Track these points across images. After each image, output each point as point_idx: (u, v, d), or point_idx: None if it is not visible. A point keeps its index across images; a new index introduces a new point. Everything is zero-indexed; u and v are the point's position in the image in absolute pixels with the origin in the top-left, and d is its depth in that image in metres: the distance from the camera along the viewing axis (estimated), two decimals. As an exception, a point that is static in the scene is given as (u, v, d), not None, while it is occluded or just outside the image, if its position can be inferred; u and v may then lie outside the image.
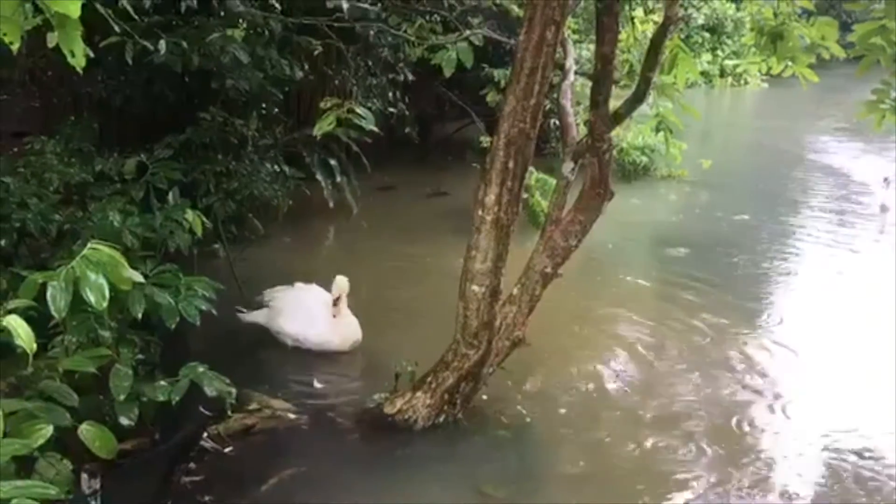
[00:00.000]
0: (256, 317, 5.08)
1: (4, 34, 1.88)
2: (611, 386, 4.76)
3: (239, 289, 5.32)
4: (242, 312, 5.12)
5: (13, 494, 1.99)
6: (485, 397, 4.32)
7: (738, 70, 19.99)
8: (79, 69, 1.95)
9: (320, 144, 6.92)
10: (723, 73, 20.71)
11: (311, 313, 4.98)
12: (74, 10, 1.77)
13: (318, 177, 7.19)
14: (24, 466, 2.32)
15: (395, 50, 7.76)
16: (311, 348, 4.98)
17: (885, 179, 8.74)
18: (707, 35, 21.00)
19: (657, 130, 5.03)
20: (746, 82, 20.33)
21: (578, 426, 4.32)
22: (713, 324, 5.65)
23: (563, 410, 4.46)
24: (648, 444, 4.15)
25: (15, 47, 1.91)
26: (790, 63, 4.42)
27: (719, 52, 21.08)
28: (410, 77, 8.39)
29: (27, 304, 2.66)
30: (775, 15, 4.38)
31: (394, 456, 3.94)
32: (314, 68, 7.36)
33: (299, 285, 5.19)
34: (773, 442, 4.21)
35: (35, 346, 2.36)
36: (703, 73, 19.22)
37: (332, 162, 7.35)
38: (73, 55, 1.92)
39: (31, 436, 2.31)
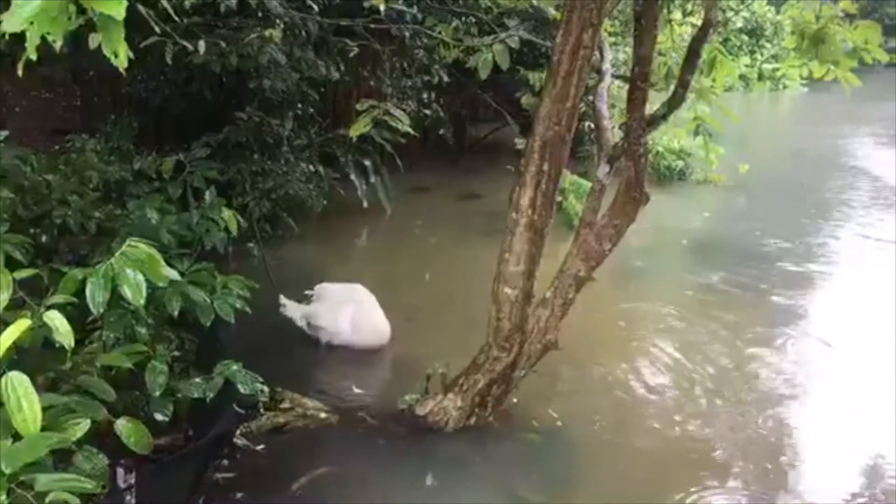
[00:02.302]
0: (292, 311, 5.12)
1: (48, 33, 1.90)
2: (644, 390, 4.71)
3: (273, 287, 5.35)
4: (283, 305, 5.16)
5: (51, 487, 2.02)
6: (516, 400, 4.30)
7: (778, 74, 19.75)
8: (122, 70, 1.97)
9: (355, 145, 6.97)
10: (761, 77, 20.45)
11: (343, 310, 5.01)
12: (119, 13, 1.79)
13: (353, 177, 7.24)
14: (61, 459, 2.36)
15: (431, 51, 7.78)
16: (341, 345, 5.00)
17: None
18: (746, 38, 20.77)
19: (695, 134, 4.98)
20: (785, 86, 20.08)
21: (610, 430, 4.28)
22: (748, 330, 5.58)
23: (594, 414, 4.43)
24: (682, 448, 4.11)
25: (58, 46, 1.94)
26: (832, 67, 4.36)
27: (758, 56, 20.84)
28: (445, 79, 8.41)
29: (67, 300, 2.70)
30: (817, 18, 4.31)
31: (425, 457, 3.94)
32: (350, 69, 7.41)
33: (344, 285, 5.22)
34: (811, 448, 4.15)
35: (74, 341, 2.40)
36: (741, 77, 19.00)
37: (367, 163, 7.39)
38: (116, 56, 1.94)
39: (68, 430, 2.34)
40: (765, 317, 5.88)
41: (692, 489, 3.76)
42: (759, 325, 5.70)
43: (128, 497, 2.72)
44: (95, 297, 2.69)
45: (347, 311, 5.02)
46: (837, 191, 10.23)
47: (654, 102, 4.25)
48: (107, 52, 1.98)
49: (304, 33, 5.98)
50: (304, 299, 5.22)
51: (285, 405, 4.18)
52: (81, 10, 1.89)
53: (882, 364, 5.04)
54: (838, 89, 4.72)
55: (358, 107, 3.86)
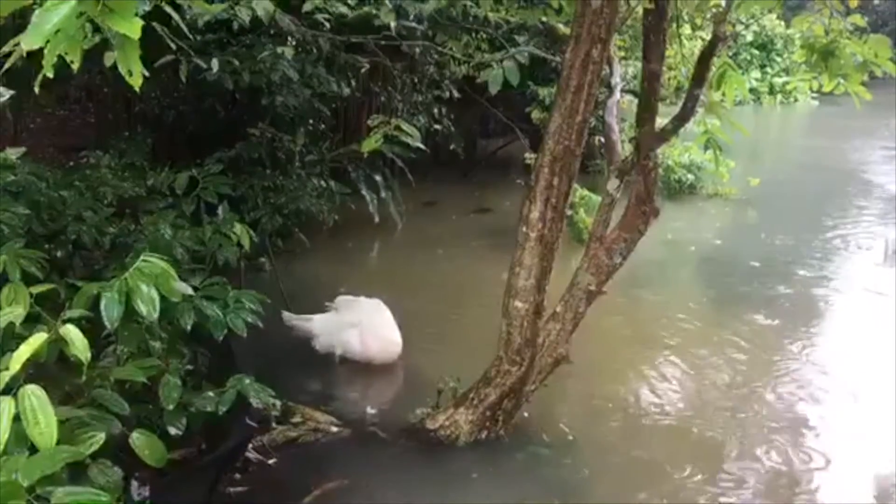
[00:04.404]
0: (304, 325, 5.12)
1: (66, 53, 1.94)
2: (654, 404, 4.70)
3: (284, 302, 5.37)
4: (291, 317, 5.15)
5: (67, 500, 2.04)
6: (527, 414, 4.30)
7: (788, 87, 19.69)
8: (136, 88, 2.01)
9: (365, 160, 7.00)
10: (772, 91, 20.41)
11: (356, 324, 5.01)
12: (135, 31, 1.82)
13: (364, 192, 7.27)
14: (76, 473, 2.37)
15: (441, 67, 7.83)
16: (353, 359, 5.00)
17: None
18: (756, 52, 20.74)
19: (706, 148, 4.99)
20: (796, 99, 20.02)
21: (622, 446, 4.28)
22: (759, 345, 5.56)
23: (605, 429, 4.42)
24: (693, 461, 4.09)
25: (76, 66, 1.97)
26: (842, 80, 4.36)
27: (768, 70, 20.79)
28: (455, 94, 8.45)
29: (82, 314, 2.73)
30: (826, 32, 4.32)
31: (436, 471, 3.94)
32: (361, 85, 7.46)
33: (362, 299, 5.23)
34: (823, 462, 4.13)
35: (89, 355, 2.42)
36: (751, 91, 18.97)
37: (377, 177, 7.42)
38: (130, 74, 1.97)
39: (83, 443, 2.36)
40: (775, 332, 5.86)
41: (704, 501, 3.75)
42: (770, 340, 5.69)
43: (141, 510, 2.74)
44: (110, 311, 2.72)
45: (360, 326, 5.02)
46: (848, 204, 10.19)
47: (664, 116, 4.26)
48: (122, 70, 2.01)
49: (315, 50, 6.03)
50: (323, 311, 5.21)
51: (297, 419, 4.20)
52: (96, 29, 1.93)
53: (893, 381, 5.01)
54: (849, 102, 4.72)
55: (369, 122, 3.90)
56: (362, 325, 5.01)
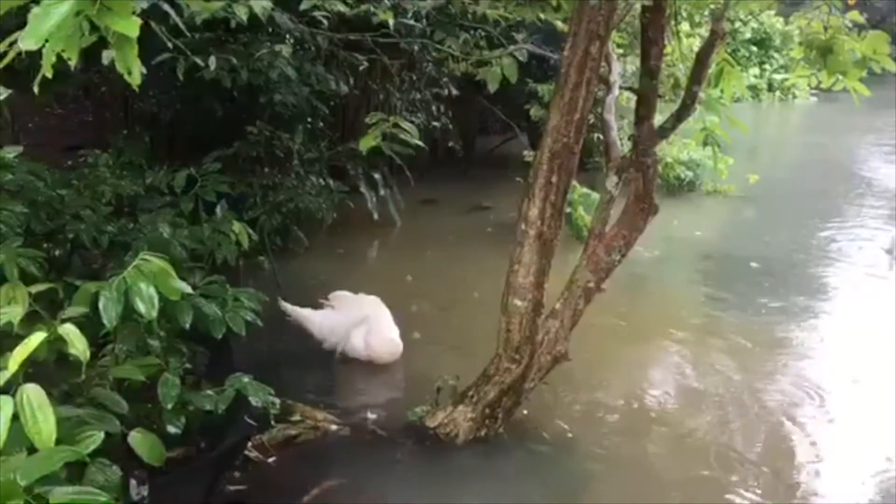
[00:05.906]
0: (297, 313, 5.11)
1: (63, 51, 1.94)
2: (654, 403, 4.71)
3: (284, 300, 5.36)
4: (288, 306, 5.13)
5: (65, 500, 2.04)
6: (526, 412, 4.30)
7: (787, 84, 19.64)
8: (135, 86, 2.00)
9: (364, 158, 7.00)
10: (770, 87, 20.36)
11: (358, 323, 5.00)
12: (133, 30, 1.82)
13: (363, 190, 7.27)
14: (74, 472, 2.37)
15: (440, 65, 7.82)
16: (353, 357, 5.00)
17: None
18: (754, 49, 20.68)
19: (704, 145, 4.98)
20: (795, 96, 19.98)
21: (621, 443, 4.28)
22: (758, 342, 5.56)
23: (604, 427, 4.42)
24: (692, 462, 4.09)
25: (73, 63, 1.97)
26: (840, 77, 4.36)
27: (767, 66, 20.75)
28: (454, 91, 8.44)
29: (80, 313, 2.72)
30: (825, 29, 4.32)
31: (435, 469, 3.94)
32: (359, 83, 7.45)
33: (360, 296, 5.21)
34: (824, 465, 4.13)
35: (88, 354, 2.42)
36: (750, 88, 18.93)
37: (377, 175, 7.42)
38: (129, 73, 1.97)
39: (82, 442, 2.36)
40: (774, 329, 5.85)
41: (703, 500, 3.75)
42: (769, 337, 5.68)
43: (140, 509, 2.73)
44: (108, 310, 2.72)
45: (362, 325, 5.01)
46: (847, 201, 10.18)
47: (663, 113, 4.26)
48: (120, 69, 2.01)
49: (313, 48, 6.03)
50: (318, 307, 5.20)
51: (296, 417, 4.20)
52: (94, 27, 1.92)
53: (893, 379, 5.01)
54: (847, 99, 4.72)
55: (367, 120, 3.89)
56: (367, 324, 5.01)
